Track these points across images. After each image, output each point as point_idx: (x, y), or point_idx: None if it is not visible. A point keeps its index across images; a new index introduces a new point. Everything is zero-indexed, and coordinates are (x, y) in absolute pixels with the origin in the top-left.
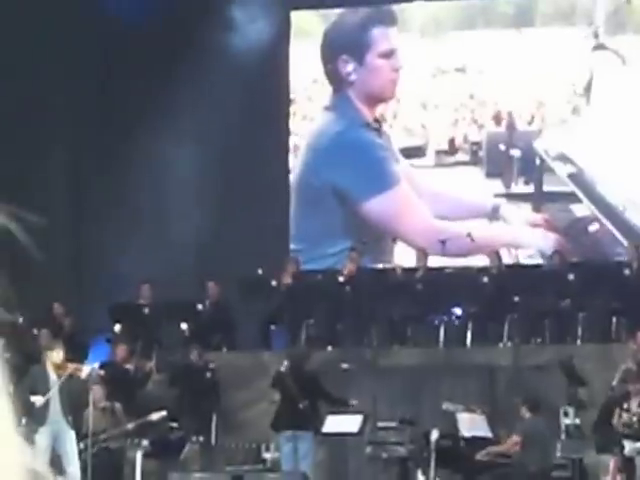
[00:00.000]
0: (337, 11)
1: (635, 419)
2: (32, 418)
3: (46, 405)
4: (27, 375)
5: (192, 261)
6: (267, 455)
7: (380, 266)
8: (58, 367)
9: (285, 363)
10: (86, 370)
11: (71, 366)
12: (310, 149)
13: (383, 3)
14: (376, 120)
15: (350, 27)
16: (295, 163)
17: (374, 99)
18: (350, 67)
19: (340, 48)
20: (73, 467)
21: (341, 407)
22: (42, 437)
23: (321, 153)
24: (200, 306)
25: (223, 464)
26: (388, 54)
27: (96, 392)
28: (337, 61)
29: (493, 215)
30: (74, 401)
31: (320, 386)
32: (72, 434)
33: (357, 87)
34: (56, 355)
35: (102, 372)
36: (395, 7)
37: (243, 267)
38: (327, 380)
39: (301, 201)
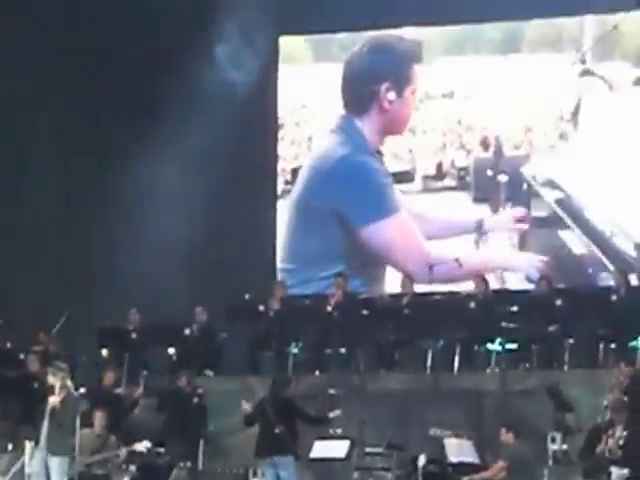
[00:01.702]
0: (326, 36)
1: (619, 445)
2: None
3: (40, 428)
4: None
5: (180, 286)
6: None
7: (366, 295)
8: (54, 390)
9: (245, 405)
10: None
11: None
12: (312, 170)
13: (375, 28)
14: (378, 151)
15: (397, 56)
16: (292, 183)
17: (390, 131)
18: (391, 96)
19: (385, 74)
20: None
21: (322, 424)
22: (36, 462)
23: (324, 175)
24: (187, 331)
25: None
26: (414, 91)
27: (99, 418)
28: (381, 86)
29: (478, 231)
30: (65, 425)
31: (296, 408)
32: (55, 461)
33: (382, 116)
34: (55, 378)
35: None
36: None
37: (230, 292)
38: (314, 405)
39: (298, 221)
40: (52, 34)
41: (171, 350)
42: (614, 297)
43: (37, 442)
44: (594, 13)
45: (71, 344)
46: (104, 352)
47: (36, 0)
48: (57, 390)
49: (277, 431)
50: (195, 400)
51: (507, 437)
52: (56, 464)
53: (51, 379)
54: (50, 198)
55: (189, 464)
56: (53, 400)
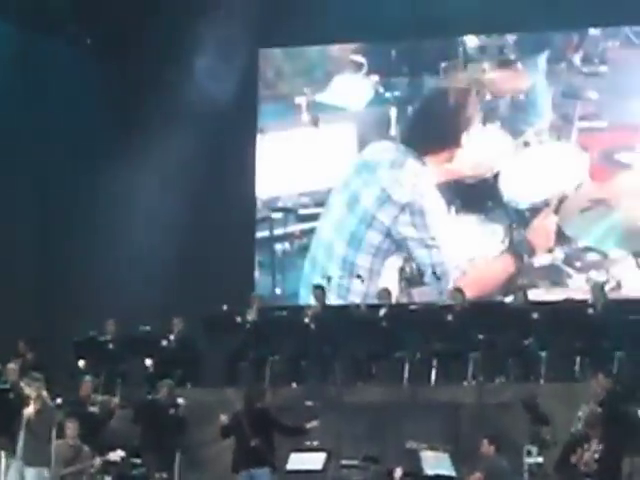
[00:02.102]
0: (309, 48)
1: (595, 459)
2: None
3: (16, 440)
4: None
5: (157, 297)
6: None
7: (344, 303)
8: (30, 401)
9: (222, 418)
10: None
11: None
12: None
13: (350, 41)
14: None
15: None
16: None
17: None
18: None
19: None
20: None
21: (298, 435)
22: (12, 472)
23: None
24: (165, 342)
25: None
26: None
27: (70, 428)
28: None
29: None
30: (41, 435)
31: (272, 419)
32: (31, 472)
33: None
34: (30, 389)
35: None
36: None
37: (208, 303)
38: (291, 417)
39: None
40: None
41: (148, 361)
42: (591, 311)
43: (14, 452)
44: None
45: (49, 355)
46: (81, 363)
47: None
48: (32, 401)
49: (253, 444)
50: (172, 411)
51: (488, 449)
52: (32, 475)
53: (27, 390)
54: (27, 209)
55: (165, 475)
56: (28, 411)
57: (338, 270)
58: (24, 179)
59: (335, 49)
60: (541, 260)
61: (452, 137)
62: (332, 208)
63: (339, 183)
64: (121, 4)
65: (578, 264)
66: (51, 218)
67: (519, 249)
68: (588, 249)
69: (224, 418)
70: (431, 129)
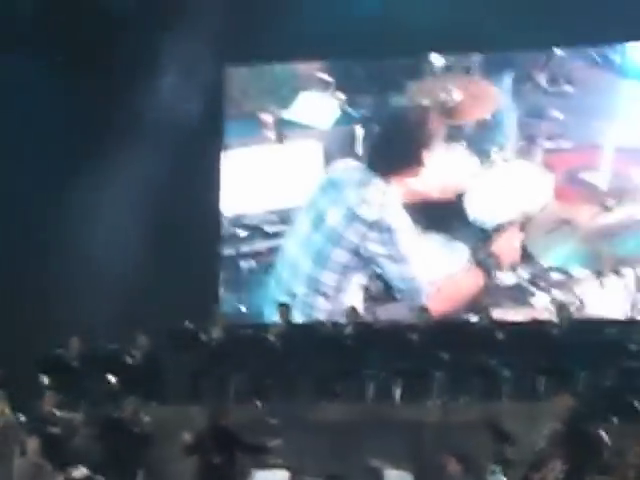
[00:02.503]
0: (276, 66)
1: (558, 478)
2: None
3: None
4: None
5: (122, 314)
6: None
7: (310, 321)
8: None
9: (186, 435)
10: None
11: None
12: None
13: (317, 59)
14: None
15: None
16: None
17: None
18: None
19: None
20: None
21: (261, 454)
22: None
23: None
24: (129, 359)
25: None
26: None
27: (32, 445)
28: None
29: None
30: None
31: (235, 437)
32: None
33: None
34: None
35: None
36: None
37: (173, 320)
38: (255, 435)
39: None
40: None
41: (112, 378)
42: (555, 330)
43: None
44: None
45: (12, 372)
46: (45, 380)
47: None
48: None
49: (216, 461)
50: (136, 429)
51: (455, 468)
52: None
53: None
54: None
55: None
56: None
57: (303, 288)
58: None
59: (302, 67)
60: (506, 280)
61: (415, 156)
62: (298, 226)
63: (305, 201)
64: (89, 20)
65: (542, 284)
66: (13, 234)
67: (487, 266)
68: (552, 269)
69: (187, 437)
70: (394, 148)
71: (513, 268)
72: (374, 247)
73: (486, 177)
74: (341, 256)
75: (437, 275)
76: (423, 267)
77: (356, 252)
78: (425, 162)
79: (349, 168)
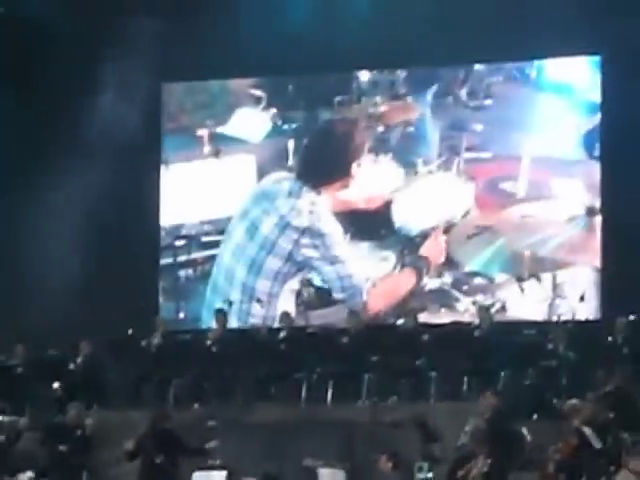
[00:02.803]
0: (211, 82)
1: (482, 473)
2: None
3: None
4: None
5: (64, 321)
6: None
7: (245, 326)
8: None
9: (129, 443)
10: None
11: None
12: None
13: (250, 76)
14: None
15: None
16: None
17: None
18: None
19: None
20: None
21: (199, 456)
22: None
23: None
24: (72, 365)
25: None
26: None
27: None
28: None
29: None
30: None
31: (175, 440)
32: None
33: None
34: None
35: None
36: None
37: (114, 327)
38: (194, 437)
39: None
40: None
41: (56, 384)
42: (477, 332)
43: None
44: None
45: None
46: None
47: None
48: None
49: (158, 461)
50: (79, 432)
51: (386, 466)
52: None
53: None
54: None
55: None
56: None
57: (239, 295)
58: None
59: (235, 83)
60: (431, 284)
61: (343, 167)
62: (232, 236)
63: (238, 211)
64: (27, 34)
65: (465, 288)
66: None
67: (419, 268)
68: (475, 274)
69: (129, 444)
70: (323, 160)
71: (439, 273)
72: (307, 252)
73: (411, 187)
74: (274, 263)
75: (372, 274)
76: (357, 267)
77: (289, 258)
78: (353, 173)
79: (280, 179)
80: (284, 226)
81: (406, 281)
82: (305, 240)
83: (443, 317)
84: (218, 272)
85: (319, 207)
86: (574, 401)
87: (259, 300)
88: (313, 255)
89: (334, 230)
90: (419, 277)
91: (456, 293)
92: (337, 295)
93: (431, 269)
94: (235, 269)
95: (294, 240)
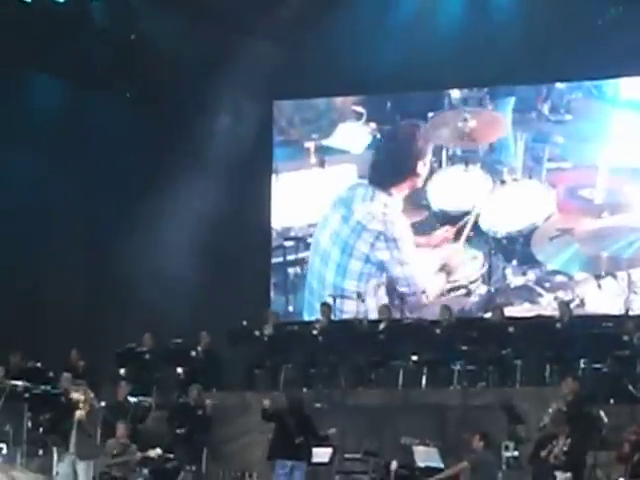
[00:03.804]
0: (317, 100)
1: (563, 452)
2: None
3: (68, 437)
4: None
5: (187, 314)
6: None
7: (348, 318)
8: (79, 404)
9: (265, 402)
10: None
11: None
12: None
13: (352, 94)
14: None
15: None
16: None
17: None
18: None
19: None
20: None
21: (324, 441)
22: (64, 465)
23: None
24: (194, 352)
25: None
26: None
27: (121, 429)
28: None
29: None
30: (90, 433)
31: (313, 427)
32: (82, 465)
33: None
34: (78, 394)
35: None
36: None
37: (231, 319)
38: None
39: None
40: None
41: (179, 369)
42: (558, 325)
43: (65, 449)
44: None
45: (95, 364)
46: (122, 371)
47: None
48: (82, 404)
49: (297, 441)
50: (200, 412)
51: (478, 444)
52: (83, 467)
53: (75, 395)
54: (79, 241)
55: (194, 468)
56: (80, 413)
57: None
58: (75, 215)
59: (339, 101)
60: (516, 282)
61: (409, 167)
62: (319, 241)
63: (321, 219)
64: (154, 62)
65: (547, 285)
66: (99, 248)
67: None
68: (556, 272)
69: (267, 402)
70: (392, 162)
71: (523, 272)
72: (381, 254)
73: (498, 193)
74: (356, 265)
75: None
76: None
77: (367, 260)
78: (419, 172)
79: (354, 185)
80: (360, 230)
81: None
82: (380, 244)
83: (527, 311)
84: (311, 276)
85: (391, 209)
86: None
87: (359, 295)
88: (386, 257)
89: (404, 233)
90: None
91: (539, 289)
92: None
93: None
94: (325, 272)
95: (370, 243)
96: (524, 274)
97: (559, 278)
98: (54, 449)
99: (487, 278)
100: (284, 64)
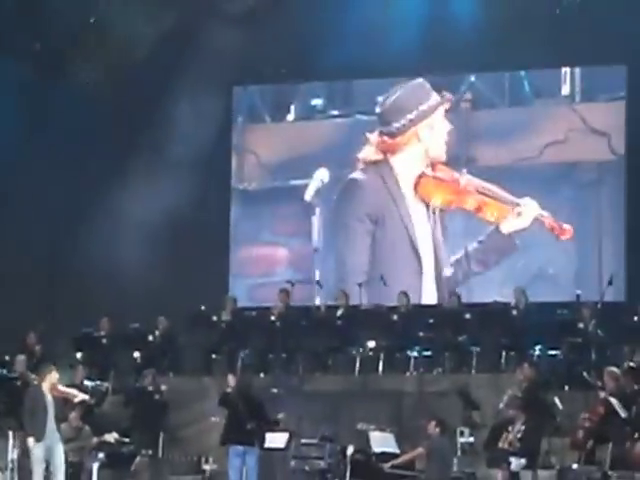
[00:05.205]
0: (279, 86)
1: (518, 439)
2: (34, 434)
3: (44, 422)
4: (26, 396)
5: (145, 299)
6: (206, 466)
7: (307, 304)
8: (52, 389)
9: (231, 385)
10: (79, 397)
11: (64, 390)
12: None
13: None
14: None
15: None
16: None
17: None
18: None
19: None
20: (61, 476)
21: (274, 426)
22: (39, 450)
23: None
24: (151, 337)
25: (168, 474)
26: None
27: (73, 413)
28: None
29: None
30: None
31: (264, 411)
32: (61, 447)
33: None
34: (52, 377)
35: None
36: None
37: (189, 304)
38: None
39: None
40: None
41: (136, 354)
42: (514, 312)
43: (23, 433)
44: None
45: (51, 348)
46: (78, 355)
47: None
48: (50, 389)
49: (249, 427)
50: (157, 397)
51: (434, 430)
52: (60, 451)
53: (55, 376)
54: (39, 220)
55: (150, 452)
56: (49, 399)
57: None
58: (34, 199)
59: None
60: None
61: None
62: None
63: None
64: (113, 46)
65: None
66: (58, 232)
67: None
68: None
69: (231, 384)
70: None
71: None
72: None
73: None
74: None
75: None
76: None
77: None
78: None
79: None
80: None
81: None
82: None
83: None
84: None
85: None
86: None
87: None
88: None
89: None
90: None
91: None
92: None
93: None
94: None
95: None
96: None
97: None
98: (9, 433)
99: None
100: (245, 49)
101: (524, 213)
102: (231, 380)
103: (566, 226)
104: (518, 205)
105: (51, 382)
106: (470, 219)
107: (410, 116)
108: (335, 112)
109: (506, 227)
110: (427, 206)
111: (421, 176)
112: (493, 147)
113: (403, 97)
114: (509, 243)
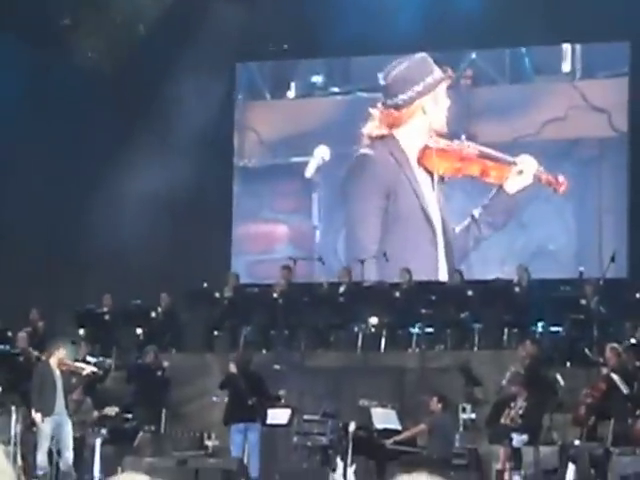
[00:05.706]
0: (279, 63)
1: (519, 415)
2: (42, 409)
3: (53, 397)
4: (35, 372)
5: (147, 275)
6: (209, 442)
7: (309, 281)
8: (61, 364)
9: (232, 366)
10: (87, 370)
11: (72, 364)
12: None
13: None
14: None
15: None
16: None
17: None
18: None
19: None
20: (69, 452)
21: (275, 402)
22: (47, 426)
23: None
24: (153, 313)
25: (171, 450)
26: None
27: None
28: None
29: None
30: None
31: (264, 386)
32: (69, 424)
33: None
34: (60, 353)
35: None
36: None
37: (191, 281)
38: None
39: None
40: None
41: (139, 330)
42: (516, 289)
43: (27, 408)
44: None
45: (54, 323)
46: (81, 331)
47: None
48: (58, 364)
49: (250, 403)
50: (159, 373)
51: (436, 406)
52: (70, 427)
53: (62, 352)
54: (40, 198)
55: (153, 428)
56: (57, 374)
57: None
58: (36, 174)
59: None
60: None
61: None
62: None
63: None
64: (116, 23)
65: None
66: (60, 208)
67: None
68: None
69: (233, 367)
70: None
71: None
72: None
73: None
74: None
75: None
76: None
77: None
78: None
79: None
80: None
81: None
82: None
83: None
84: None
85: None
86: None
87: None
88: None
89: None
90: None
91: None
92: None
93: None
94: None
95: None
96: None
97: None
98: (12, 408)
99: None
100: (247, 26)
101: (525, 170)
102: (232, 367)
103: (560, 178)
104: (516, 164)
105: (59, 357)
106: (468, 186)
107: (417, 88)
108: (335, 89)
109: (510, 186)
110: (432, 177)
111: (425, 148)
112: (493, 124)
113: (409, 69)
114: (514, 202)
